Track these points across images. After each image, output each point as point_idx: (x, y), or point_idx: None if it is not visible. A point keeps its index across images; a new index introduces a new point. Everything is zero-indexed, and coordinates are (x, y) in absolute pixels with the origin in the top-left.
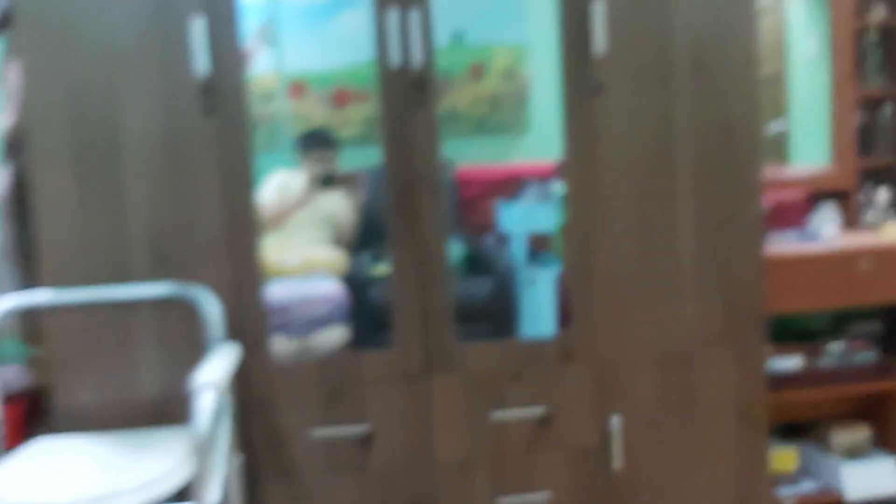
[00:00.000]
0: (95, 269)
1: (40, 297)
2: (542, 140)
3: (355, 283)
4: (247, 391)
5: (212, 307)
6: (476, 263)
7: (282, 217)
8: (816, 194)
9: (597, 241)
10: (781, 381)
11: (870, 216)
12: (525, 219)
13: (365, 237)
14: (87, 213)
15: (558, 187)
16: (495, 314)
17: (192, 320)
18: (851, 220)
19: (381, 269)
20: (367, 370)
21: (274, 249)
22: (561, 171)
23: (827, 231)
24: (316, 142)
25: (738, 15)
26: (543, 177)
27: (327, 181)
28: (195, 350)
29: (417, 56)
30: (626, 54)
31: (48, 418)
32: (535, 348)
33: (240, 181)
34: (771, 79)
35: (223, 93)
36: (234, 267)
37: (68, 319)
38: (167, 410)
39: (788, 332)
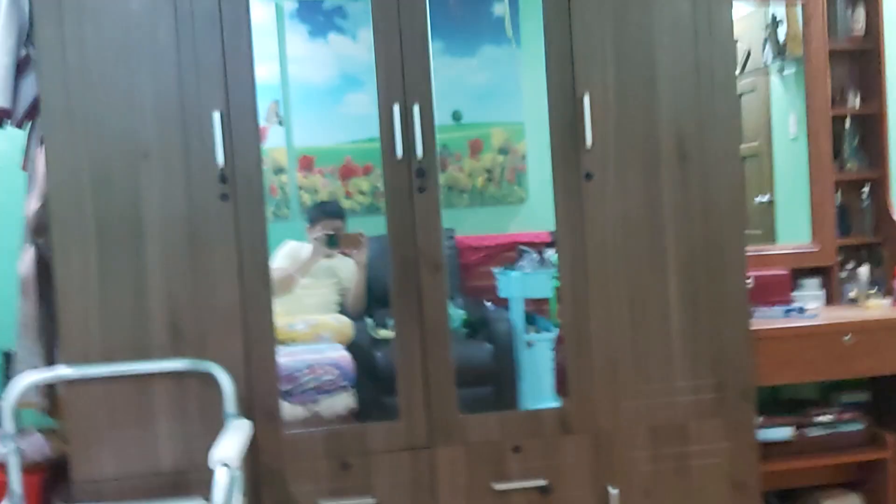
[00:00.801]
0: (115, 344)
1: (61, 372)
2: (538, 210)
3: (361, 348)
4: (258, 462)
5: (226, 382)
6: (476, 327)
7: (290, 283)
8: (799, 271)
9: (590, 317)
10: (773, 451)
11: (852, 292)
12: (523, 285)
13: (369, 302)
14: (107, 291)
15: (554, 255)
16: (496, 377)
17: (207, 394)
18: (834, 296)
19: (385, 332)
20: (373, 442)
21: (283, 315)
22: (555, 244)
23: (811, 306)
24: (324, 212)
25: (722, 108)
26: (540, 245)
27: (332, 242)
28: (211, 422)
29: (419, 145)
30: (614, 144)
31: (68, 489)
32: (534, 419)
33: (254, 262)
34: (757, 153)
35: (240, 180)
36: (248, 343)
37: (88, 393)
38: (184, 482)
39: (777, 402)
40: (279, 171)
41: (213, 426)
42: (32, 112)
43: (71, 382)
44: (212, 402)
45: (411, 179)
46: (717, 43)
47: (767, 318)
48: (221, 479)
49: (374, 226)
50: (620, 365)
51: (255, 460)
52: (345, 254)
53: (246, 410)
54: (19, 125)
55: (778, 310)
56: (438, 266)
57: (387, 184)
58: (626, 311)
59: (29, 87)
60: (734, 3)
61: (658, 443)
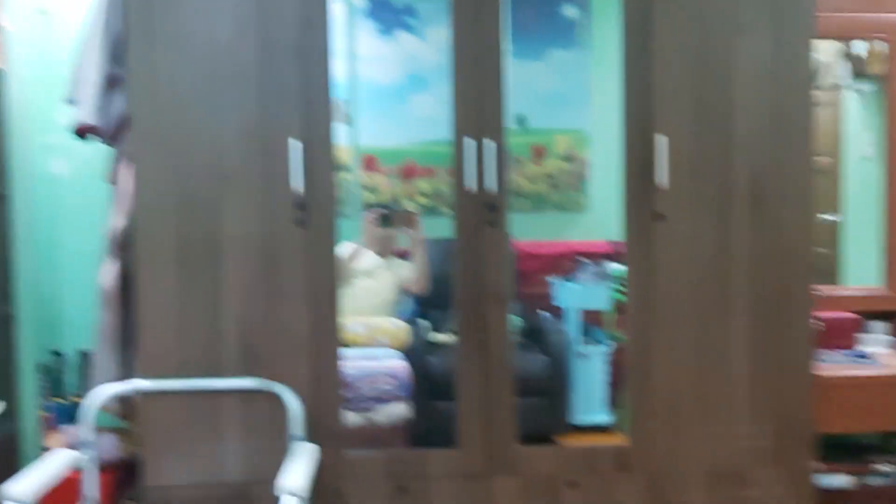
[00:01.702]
0: (190, 359)
1: (138, 384)
2: (598, 220)
3: (416, 353)
4: (317, 480)
5: (293, 404)
6: (530, 335)
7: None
8: (867, 313)
9: (655, 357)
10: (831, 499)
11: None
12: (580, 297)
13: (425, 306)
14: (185, 309)
15: (612, 267)
16: (549, 388)
17: (274, 412)
18: None
19: (440, 337)
20: (432, 467)
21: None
22: (619, 259)
23: (878, 352)
24: (376, 213)
25: (797, 153)
26: (598, 255)
27: (385, 221)
28: (276, 440)
29: (493, 180)
30: (687, 186)
31: (136, 489)
32: (591, 455)
33: (325, 287)
34: (827, 170)
35: (314, 206)
36: (315, 366)
37: (162, 404)
38: (248, 494)
39: (837, 446)
40: (343, 169)
41: (278, 443)
42: (120, 129)
43: (147, 393)
44: (277, 420)
45: (482, 213)
46: (796, 86)
47: (832, 364)
48: None
49: (434, 227)
50: (682, 406)
51: (315, 479)
52: (402, 230)
53: (309, 428)
54: (109, 141)
55: (843, 355)
56: (504, 301)
57: (458, 217)
58: (691, 353)
59: (118, 105)
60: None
61: (715, 487)
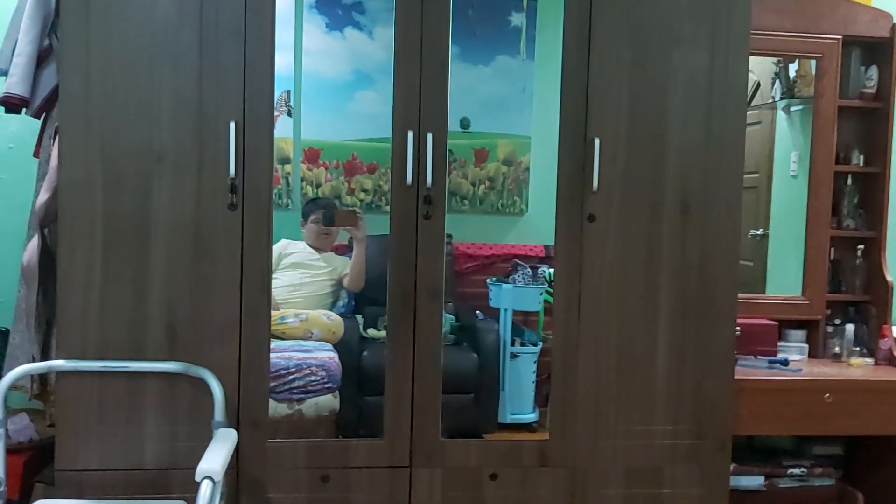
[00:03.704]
0: (111, 341)
1: (56, 364)
2: (536, 224)
3: (349, 347)
4: (239, 468)
5: (217, 389)
6: (464, 334)
7: None
8: (786, 321)
9: (579, 356)
10: (743, 499)
11: (837, 348)
12: (513, 298)
13: (362, 301)
14: (109, 288)
15: (546, 271)
16: (479, 386)
17: (197, 398)
18: (818, 350)
19: (374, 332)
20: (355, 457)
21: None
22: (551, 264)
23: (795, 359)
24: (318, 205)
25: (728, 165)
26: (534, 259)
27: (328, 219)
28: (198, 426)
29: (430, 173)
30: (620, 190)
31: (50, 472)
32: (515, 449)
33: (257, 273)
34: (756, 186)
35: (249, 191)
36: (242, 352)
37: (80, 385)
38: (166, 480)
39: (751, 448)
40: (284, 161)
41: (200, 429)
42: (50, 103)
43: (64, 373)
44: (200, 406)
45: (419, 206)
46: (729, 98)
47: (751, 368)
48: (205, 493)
49: (375, 224)
50: (603, 405)
51: (236, 466)
52: (346, 228)
53: (233, 416)
54: (37, 115)
55: (762, 360)
56: (437, 293)
57: (394, 209)
58: (615, 353)
59: (48, 78)
60: (750, 57)
61: (632, 483)
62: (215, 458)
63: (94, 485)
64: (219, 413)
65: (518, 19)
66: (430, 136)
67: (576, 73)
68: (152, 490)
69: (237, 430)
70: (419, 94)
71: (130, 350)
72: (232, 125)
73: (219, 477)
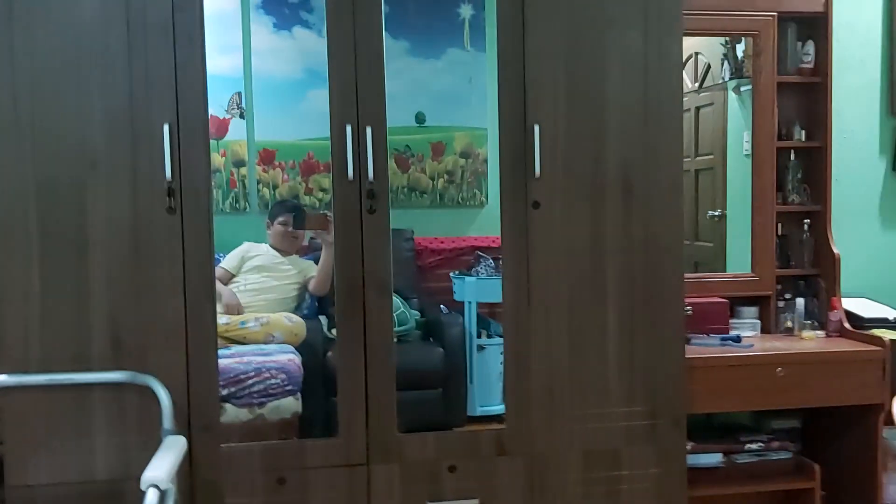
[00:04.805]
0: (55, 353)
1: None
2: (497, 216)
3: (312, 348)
4: (194, 474)
5: (164, 397)
6: (430, 329)
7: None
8: (737, 299)
9: (530, 343)
10: (702, 477)
11: (788, 322)
12: (477, 290)
13: (325, 302)
14: (49, 300)
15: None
16: (447, 380)
17: (146, 406)
18: (770, 325)
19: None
20: (311, 458)
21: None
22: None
23: (747, 335)
24: (284, 208)
25: (667, 143)
26: (497, 250)
27: (298, 222)
28: (149, 434)
29: (371, 167)
30: (562, 174)
31: (1, 491)
32: (472, 440)
33: (200, 276)
34: (712, 167)
35: (187, 193)
36: (189, 357)
37: (26, 400)
38: (119, 492)
39: (709, 426)
40: (239, 163)
41: (151, 438)
42: None
43: (8, 389)
44: (150, 414)
45: (362, 201)
46: (665, 78)
47: (703, 347)
48: (151, 501)
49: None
50: (557, 390)
51: (191, 472)
52: (315, 232)
53: (185, 422)
54: None
55: (714, 338)
56: (385, 288)
57: (337, 204)
58: (566, 338)
59: None
60: (685, 36)
61: (590, 467)
62: (160, 466)
63: (46, 500)
64: (167, 420)
65: (466, 11)
66: (369, 130)
67: (511, 60)
68: (105, 502)
69: (189, 436)
70: (356, 89)
71: (75, 361)
72: (166, 127)
73: (165, 485)
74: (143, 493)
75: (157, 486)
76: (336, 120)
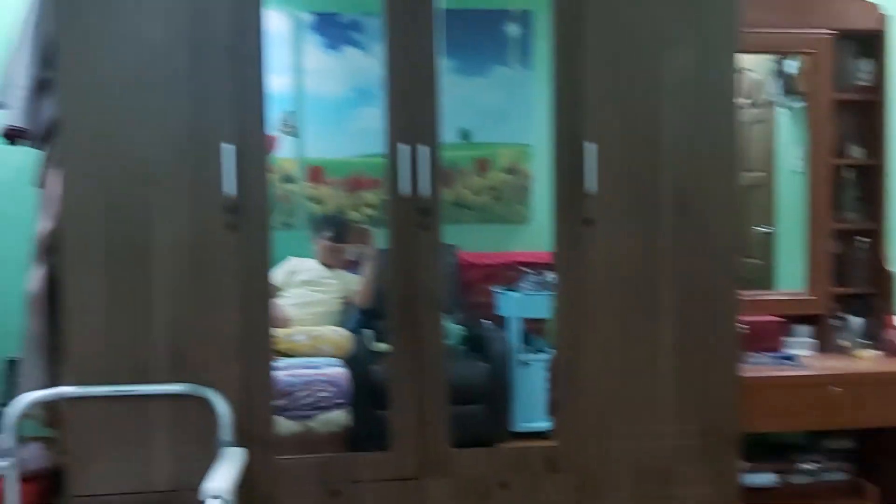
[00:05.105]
0: (117, 365)
1: (64, 391)
2: (541, 231)
3: (358, 361)
4: (251, 487)
5: (223, 409)
6: (473, 344)
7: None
8: (792, 317)
9: (582, 360)
10: (756, 497)
11: (843, 341)
12: (521, 305)
13: (370, 316)
14: (113, 314)
15: (553, 277)
16: (490, 396)
17: (204, 418)
18: (825, 344)
19: (383, 346)
20: (364, 471)
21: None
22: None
23: (802, 354)
24: (329, 222)
25: (723, 161)
26: (540, 266)
27: (340, 236)
28: (206, 445)
29: (425, 184)
30: (615, 192)
31: (63, 499)
32: (522, 456)
33: (257, 291)
34: (761, 184)
35: (247, 211)
36: (246, 370)
37: (89, 410)
38: (177, 502)
39: (763, 445)
40: (288, 180)
41: (209, 449)
42: (50, 133)
43: (72, 399)
44: (208, 425)
45: (415, 218)
46: (720, 96)
47: (758, 365)
48: None
49: (380, 238)
50: (609, 407)
51: (247, 484)
52: (356, 245)
53: (241, 434)
54: (38, 145)
55: (769, 357)
56: (439, 305)
57: (391, 222)
58: (618, 355)
59: (48, 109)
60: (741, 55)
61: (642, 485)
62: (222, 477)
63: None
64: (224, 432)
65: (513, 29)
66: (423, 149)
67: (566, 77)
68: None
69: (246, 448)
70: (411, 109)
71: (136, 373)
72: (226, 146)
73: (227, 496)
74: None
75: (219, 498)
76: (391, 139)
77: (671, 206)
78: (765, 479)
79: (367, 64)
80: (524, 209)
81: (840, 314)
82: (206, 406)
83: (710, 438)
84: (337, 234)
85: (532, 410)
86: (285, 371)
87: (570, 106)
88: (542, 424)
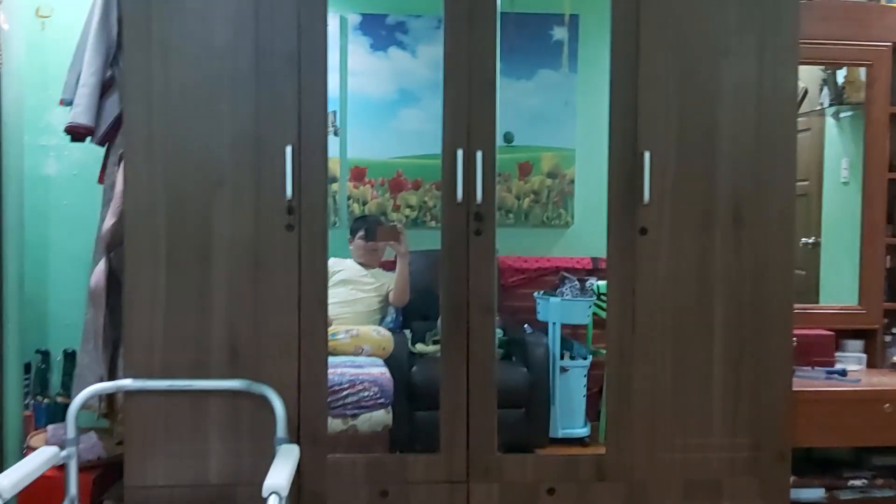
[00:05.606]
0: (175, 360)
1: (123, 384)
2: (582, 237)
3: (399, 362)
4: (300, 483)
5: (279, 406)
6: (512, 348)
7: None
8: (843, 331)
9: (634, 369)
10: None
11: (895, 357)
12: (562, 311)
13: (408, 316)
14: (172, 309)
15: (594, 283)
16: (530, 401)
17: (259, 414)
18: (876, 359)
19: (423, 347)
20: (413, 472)
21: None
22: (600, 275)
23: (853, 369)
24: (361, 224)
25: (780, 174)
26: (581, 271)
27: (371, 234)
28: (261, 441)
29: (480, 190)
30: (671, 201)
31: (118, 488)
32: (571, 463)
33: (314, 291)
34: (806, 194)
35: (305, 212)
36: (301, 369)
37: (147, 404)
38: (231, 495)
39: (810, 460)
40: (331, 180)
41: (263, 445)
42: (113, 131)
43: (131, 392)
44: (262, 421)
45: (469, 223)
46: (779, 108)
47: (808, 380)
48: None
49: (420, 239)
50: (660, 417)
51: (296, 481)
52: (388, 243)
53: (293, 431)
54: (101, 143)
55: (819, 371)
56: (489, 309)
57: (445, 226)
58: (669, 365)
59: (111, 107)
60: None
61: (691, 497)
62: (281, 474)
63: (161, 500)
64: (281, 429)
65: (560, 33)
66: (479, 154)
67: (623, 86)
68: (218, 503)
69: (297, 445)
70: (468, 113)
71: (194, 368)
72: (288, 149)
73: (285, 492)
74: (257, 499)
75: (278, 494)
76: (448, 143)
77: (727, 216)
78: (813, 493)
79: (412, 66)
80: (566, 213)
81: (893, 330)
82: (260, 402)
83: (761, 452)
84: (369, 233)
85: (571, 417)
86: (330, 369)
87: (625, 114)
88: (581, 431)
